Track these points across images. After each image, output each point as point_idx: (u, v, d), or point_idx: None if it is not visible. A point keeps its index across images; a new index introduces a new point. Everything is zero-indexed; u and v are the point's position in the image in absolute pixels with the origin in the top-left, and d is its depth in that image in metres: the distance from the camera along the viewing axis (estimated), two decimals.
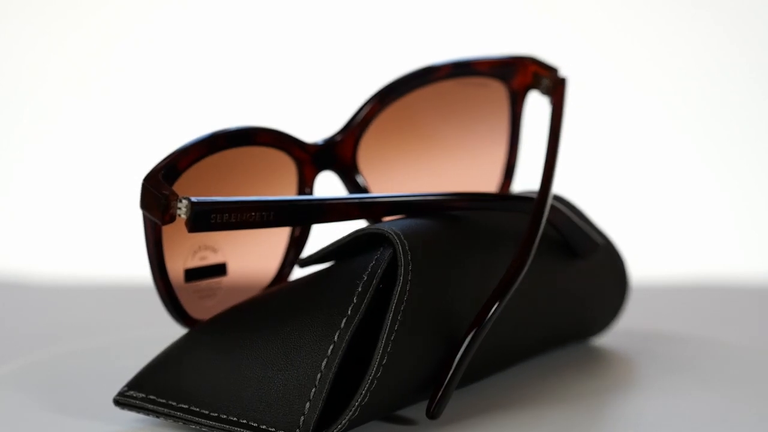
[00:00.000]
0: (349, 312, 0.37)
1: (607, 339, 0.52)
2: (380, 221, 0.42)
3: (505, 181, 0.49)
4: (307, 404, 0.36)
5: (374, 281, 0.38)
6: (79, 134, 1.00)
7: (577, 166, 0.95)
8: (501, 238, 0.43)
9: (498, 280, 0.40)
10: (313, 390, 0.36)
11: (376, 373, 0.37)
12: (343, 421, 0.36)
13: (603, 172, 1.00)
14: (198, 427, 0.38)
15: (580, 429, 0.40)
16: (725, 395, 0.44)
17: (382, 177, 0.46)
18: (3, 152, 1.02)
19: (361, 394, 0.36)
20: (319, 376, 0.36)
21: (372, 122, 0.45)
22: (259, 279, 0.43)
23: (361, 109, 0.45)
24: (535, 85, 0.47)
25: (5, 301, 0.72)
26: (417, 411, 0.40)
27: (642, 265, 0.95)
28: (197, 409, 0.38)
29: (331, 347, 0.37)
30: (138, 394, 0.39)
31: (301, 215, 0.39)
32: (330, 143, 0.44)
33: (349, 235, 0.39)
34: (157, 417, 0.39)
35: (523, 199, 0.44)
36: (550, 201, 0.43)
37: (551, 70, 0.47)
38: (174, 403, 0.38)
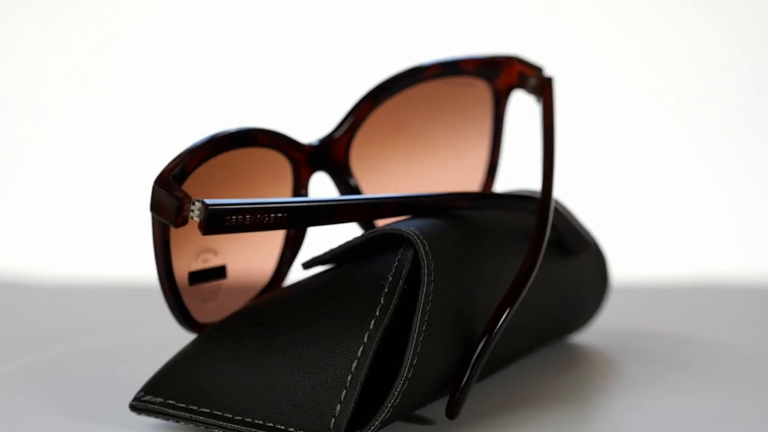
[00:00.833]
0: (377, 313, 0.37)
1: (607, 339, 0.52)
2: (375, 222, 0.42)
3: (487, 180, 0.49)
4: (338, 406, 0.36)
5: (400, 282, 0.37)
6: (79, 134, 1.00)
7: (576, 167, 0.95)
8: (505, 236, 0.43)
9: (505, 277, 0.41)
10: (344, 392, 0.36)
11: (408, 373, 0.36)
12: (376, 423, 0.36)
13: (602, 172, 1.00)
14: None
15: (587, 428, 0.40)
16: (725, 395, 0.44)
17: (373, 177, 0.46)
18: (3, 152, 1.02)
19: (394, 395, 0.36)
20: (349, 377, 0.36)
21: (364, 122, 0.45)
22: (257, 280, 0.43)
23: (354, 109, 0.45)
24: (520, 84, 0.47)
25: (5, 301, 0.72)
26: (429, 411, 0.40)
27: (642, 265, 0.95)
28: (220, 413, 0.37)
29: (361, 348, 0.36)
30: (155, 398, 0.38)
31: (313, 216, 0.39)
32: (325, 144, 0.44)
33: (362, 236, 0.39)
34: (177, 422, 0.38)
35: (524, 198, 0.44)
36: (553, 203, 0.43)
37: (537, 70, 0.47)
38: (195, 408, 0.38)
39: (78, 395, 0.43)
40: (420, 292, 0.37)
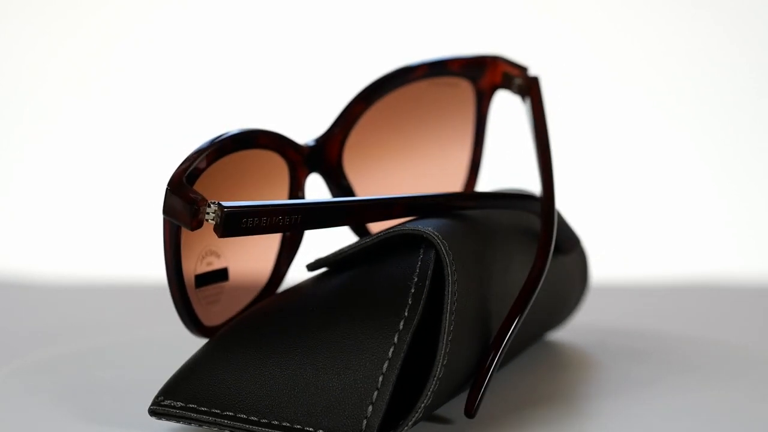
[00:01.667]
0: (406, 313, 0.37)
1: (607, 339, 0.52)
2: (368, 225, 0.42)
3: (470, 179, 0.49)
4: (370, 407, 0.36)
5: (426, 282, 0.37)
6: (79, 134, 1.00)
7: (576, 167, 0.95)
8: (508, 235, 0.44)
9: (513, 275, 0.41)
10: (375, 393, 0.36)
11: (439, 373, 0.36)
12: (410, 423, 0.36)
13: (602, 172, 1.00)
14: None
15: (589, 428, 0.40)
16: (725, 395, 0.44)
17: (364, 178, 0.46)
18: (3, 152, 1.02)
19: (427, 395, 0.36)
20: (381, 378, 0.36)
21: (357, 123, 0.45)
22: (256, 282, 0.43)
23: (347, 109, 0.45)
24: (505, 84, 0.47)
25: (5, 301, 0.72)
26: (446, 410, 0.40)
27: (641, 266, 0.95)
28: (244, 416, 0.37)
29: (392, 349, 0.36)
30: (176, 402, 0.38)
31: (328, 218, 0.38)
32: (321, 144, 0.44)
33: (376, 237, 0.39)
34: (200, 426, 0.37)
35: (525, 197, 0.45)
36: (556, 207, 0.43)
37: (522, 69, 0.47)
38: (218, 411, 0.37)
39: (78, 396, 0.43)
40: (446, 292, 0.37)
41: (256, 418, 0.37)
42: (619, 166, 1.00)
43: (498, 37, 0.98)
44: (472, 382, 0.39)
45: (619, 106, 1.00)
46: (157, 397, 0.38)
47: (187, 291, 0.40)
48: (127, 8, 1.01)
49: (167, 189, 0.37)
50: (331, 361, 0.37)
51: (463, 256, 0.39)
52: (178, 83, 1.00)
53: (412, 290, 0.37)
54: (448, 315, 0.37)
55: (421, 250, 0.38)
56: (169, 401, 0.38)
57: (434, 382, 0.36)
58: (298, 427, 0.36)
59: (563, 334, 0.54)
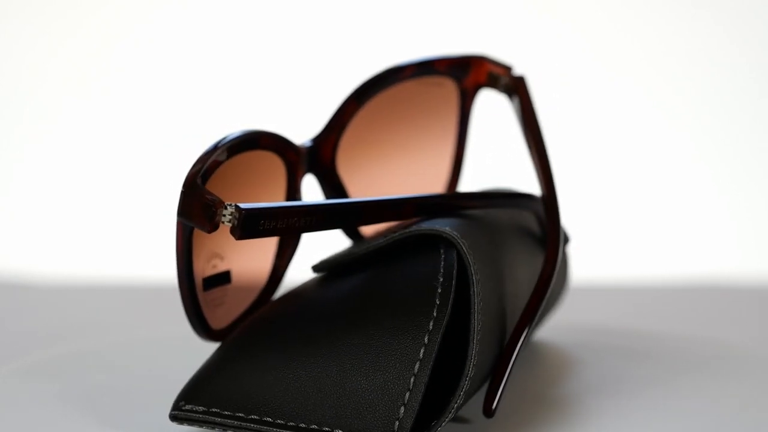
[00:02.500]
0: (435, 313, 0.36)
1: (607, 339, 0.52)
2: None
3: (452, 179, 0.49)
4: (402, 408, 0.35)
5: (453, 282, 0.37)
6: (79, 134, 1.00)
7: (575, 167, 0.95)
8: (511, 233, 0.44)
9: (520, 272, 0.42)
10: (407, 393, 0.35)
11: (470, 373, 0.36)
12: (443, 423, 0.36)
13: (602, 172, 1.00)
14: None
15: (595, 426, 0.40)
16: (725, 395, 0.44)
17: (356, 179, 0.46)
18: (3, 152, 1.02)
19: (460, 395, 0.36)
20: (412, 379, 0.36)
21: (350, 123, 0.45)
22: (256, 284, 0.43)
23: (340, 110, 0.45)
24: (490, 84, 0.47)
25: (5, 301, 0.72)
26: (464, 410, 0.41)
27: (641, 266, 0.95)
28: (270, 419, 0.36)
29: (423, 350, 0.36)
30: (197, 407, 0.37)
31: (341, 219, 0.38)
32: (317, 145, 0.44)
33: (390, 238, 0.39)
34: (224, 430, 0.37)
35: (526, 196, 0.45)
36: (560, 210, 0.43)
37: (507, 69, 0.47)
38: (242, 415, 0.37)
39: (78, 396, 0.43)
40: (472, 292, 0.37)
41: (282, 422, 0.36)
42: (619, 165, 1.00)
43: (498, 37, 0.98)
44: (489, 381, 0.39)
45: (619, 105, 1.00)
46: (177, 401, 0.38)
47: (197, 293, 0.39)
48: (127, 8, 1.01)
49: (182, 191, 0.36)
50: (358, 363, 0.36)
51: (479, 255, 0.39)
52: (177, 83, 1.00)
53: (439, 290, 0.37)
54: (475, 315, 0.37)
55: (442, 250, 0.38)
56: (190, 406, 0.37)
57: (466, 382, 0.36)
58: (327, 429, 0.36)
59: (563, 334, 0.54)
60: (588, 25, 1.01)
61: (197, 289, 0.39)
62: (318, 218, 0.37)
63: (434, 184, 0.49)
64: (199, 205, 0.36)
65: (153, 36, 1.01)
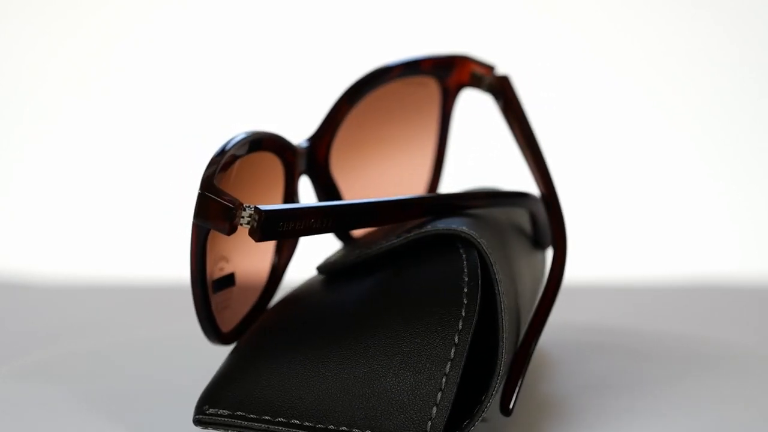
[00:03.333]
0: (464, 313, 0.36)
1: (607, 338, 0.52)
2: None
3: (433, 178, 0.49)
4: (434, 408, 0.35)
5: (478, 281, 0.37)
6: (79, 134, 1.00)
7: (574, 167, 0.95)
8: (512, 232, 0.44)
9: (524, 270, 0.42)
10: (440, 394, 0.35)
11: (501, 372, 0.36)
12: (476, 422, 0.36)
13: (602, 172, 1.00)
14: None
15: (601, 424, 0.40)
16: (725, 395, 0.44)
17: (348, 179, 0.46)
18: (3, 152, 1.02)
19: (492, 394, 0.36)
20: (444, 379, 0.35)
21: (342, 124, 0.45)
22: (256, 285, 0.43)
23: (333, 110, 0.45)
24: (474, 84, 0.47)
25: (5, 301, 0.72)
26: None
27: (641, 266, 0.95)
28: (298, 422, 0.36)
29: (454, 350, 0.36)
30: (222, 411, 0.37)
31: (355, 219, 0.38)
32: (313, 146, 0.44)
33: (404, 238, 0.38)
34: None
35: (525, 195, 0.45)
36: (563, 211, 0.43)
37: (490, 68, 0.47)
38: (269, 417, 0.36)
39: (78, 396, 0.43)
40: (496, 291, 0.37)
41: (311, 424, 0.36)
42: (619, 165, 1.00)
43: (498, 37, 0.98)
44: (506, 380, 0.39)
45: (619, 105, 1.00)
46: (201, 405, 0.37)
47: (209, 296, 0.39)
48: (127, 8, 1.01)
49: (200, 193, 0.36)
50: (387, 363, 0.36)
51: (495, 254, 0.39)
52: (177, 83, 1.00)
53: (465, 290, 0.37)
54: (502, 315, 0.37)
55: (461, 250, 0.38)
56: (213, 410, 0.37)
57: (498, 381, 0.36)
58: (357, 430, 0.36)
59: (563, 333, 0.54)
60: (588, 25, 1.01)
61: (209, 293, 0.39)
62: (335, 219, 0.37)
63: (418, 184, 0.49)
64: (218, 207, 0.35)
65: (153, 36, 1.01)
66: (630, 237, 0.98)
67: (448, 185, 0.50)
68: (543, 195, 0.44)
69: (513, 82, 0.46)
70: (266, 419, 0.36)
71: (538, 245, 0.48)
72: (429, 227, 0.38)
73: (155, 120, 1.00)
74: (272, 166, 0.42)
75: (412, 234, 0.38)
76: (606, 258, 0.92)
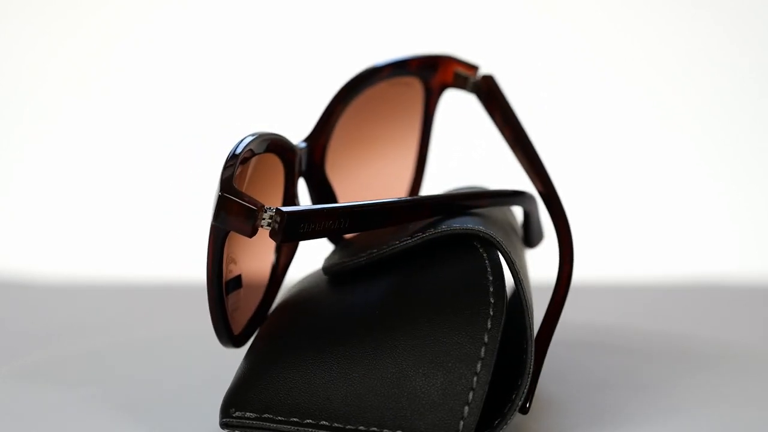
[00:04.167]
0: (492, 312, 0.36)
1: (607, 338, 0.52)
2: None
3: (416, 178, 0.49)
4: (466, 408, 0.35)
5: (503, 280, 0.37)
6: (79, 134, 1.00)
7: (574, 167, 0.95)
8: (511, 229, 0.45)
9: (525, 268, 0.42)
10: (471, 393, 0.35)
11: (530, 371, 0.36)
12: (507, 420, 0.36)
13: (602, 172, 1.00)
14: None
15: (600, 424, 0.40)
16: (726, 394, 0.44)
17: (342, 180, 0.46)
18: (3, 152, 1.02)
19: (523, 393, 0.36)
20: (475, 379, 0.35)
21: (337, 125, 0.45)
22: (259, 286, 0.43)
23: (327, 111, 0.45)
24: (458, 84, 0.47)
25: (5, 301, 0.72)
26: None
27: (642, 266, 0.95)
28: (327, 423, 0.36)
29: (484, 349, 0.36)
30: (249, 413, 0.36)
31: (370, 220, 0.38)
32: (311, 147, 0.44)
33: (419, 238, 0.38)
34: None
35: (522, 194, 0.45)
36: (565, 210, 0.43)
37: (475, 69, 0.46)
38: (297, 419, 0.36)
39: (78, 396, 0.43)
40: (520, 290, 0.37)
41: (340, 425, 0.36)
42: (619, 165, 1.00)
43: (498, 36, 0.98)
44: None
45: (619, 105, 1.00)
46: (226, 408, 0.37)
47: (225, 300, 0.39)
48: (127, 8, 1.01)
49: (222, 195, 0.35)
50: (416, 363, 0.36)
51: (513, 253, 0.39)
52: (177, 83, 1.00)
53: (491, 289, 0.37)
54: (528, 313, 0.37)
55: (481, 249, 0.38)
56: (241, 413, 0.37)
57: (528, 380, 0.36)
58: (387, 431, 0.35)
59: (563, 333, 0.54)
60: (587, 24, 1.01)
61: (224, 295, 0.39)
62: (352, 220, 0.37)
63: (402, 185, 0.49)
64: (239, 209, 0.35)
65: (153, 36, 1.01)
66: (630, 237, 0.98)
67: (430, 186, 0.50)
68: (541, 193, 0.44)
69: (498, 81, 0.45)
70: (295, 421, 0.36)
71: (528, 243, 0.48)
72: (444, 227, 0.38)
73: (155, 120, 1.00)
74: (274, 167, 0.42)
75: (427, 234, 0.38)
76: (606, 258, 0.92)
